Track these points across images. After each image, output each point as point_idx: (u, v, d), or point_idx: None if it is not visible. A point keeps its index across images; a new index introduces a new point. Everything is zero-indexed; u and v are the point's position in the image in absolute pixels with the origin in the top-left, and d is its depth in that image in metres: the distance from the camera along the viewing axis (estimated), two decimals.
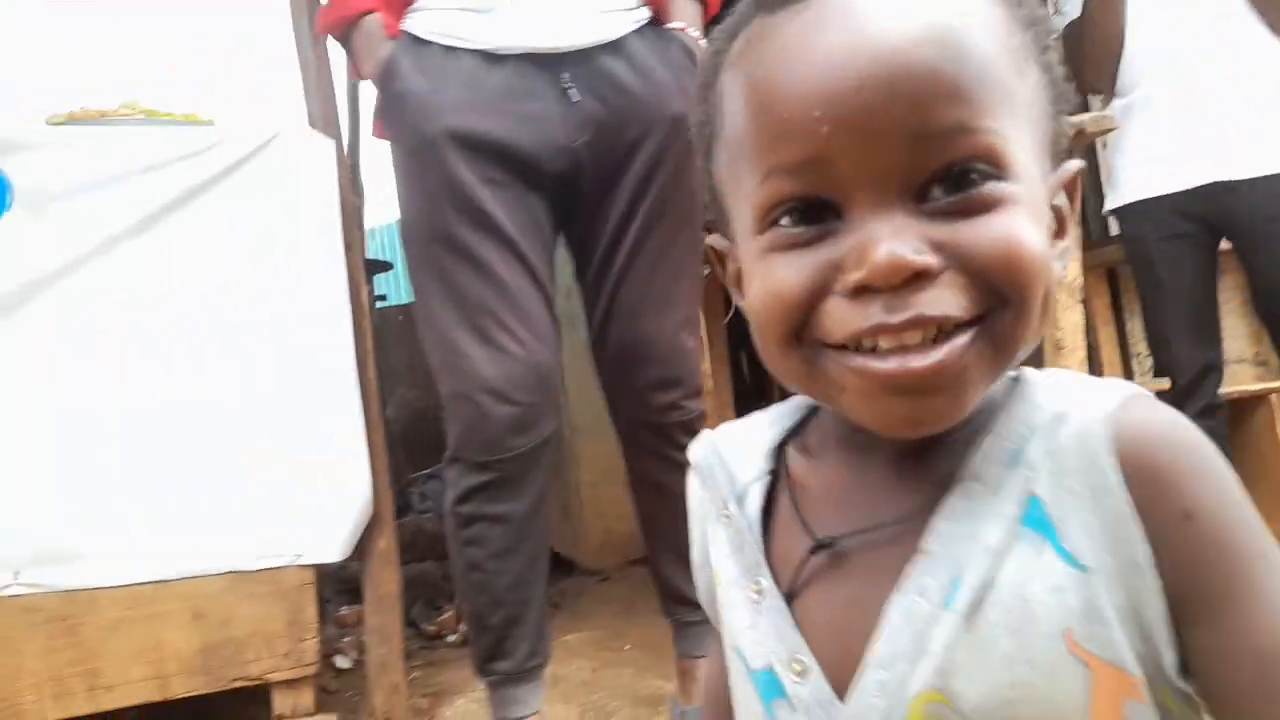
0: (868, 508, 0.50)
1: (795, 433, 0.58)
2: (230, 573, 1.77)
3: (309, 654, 1.83)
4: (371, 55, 1.54)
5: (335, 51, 2.16)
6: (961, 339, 0.44)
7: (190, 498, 1.75)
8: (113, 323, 1.73)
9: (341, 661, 2.51)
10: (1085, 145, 1.94)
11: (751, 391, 3.69)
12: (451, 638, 2.71)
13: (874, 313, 0.43)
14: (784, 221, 0.47)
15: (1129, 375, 3.41)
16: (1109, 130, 1.78)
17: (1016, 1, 0.49)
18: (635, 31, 1.57)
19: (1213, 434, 1.85)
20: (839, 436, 0.54)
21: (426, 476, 4.53)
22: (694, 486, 0.61)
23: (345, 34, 1.59)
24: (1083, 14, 2.43)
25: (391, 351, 4.79)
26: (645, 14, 1.60)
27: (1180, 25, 2.33)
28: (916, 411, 0.45)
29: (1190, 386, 2.40)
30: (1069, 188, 0.52)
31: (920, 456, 0.50)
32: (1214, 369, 2.45)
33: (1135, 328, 3.48)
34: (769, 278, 0.47)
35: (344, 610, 2.90)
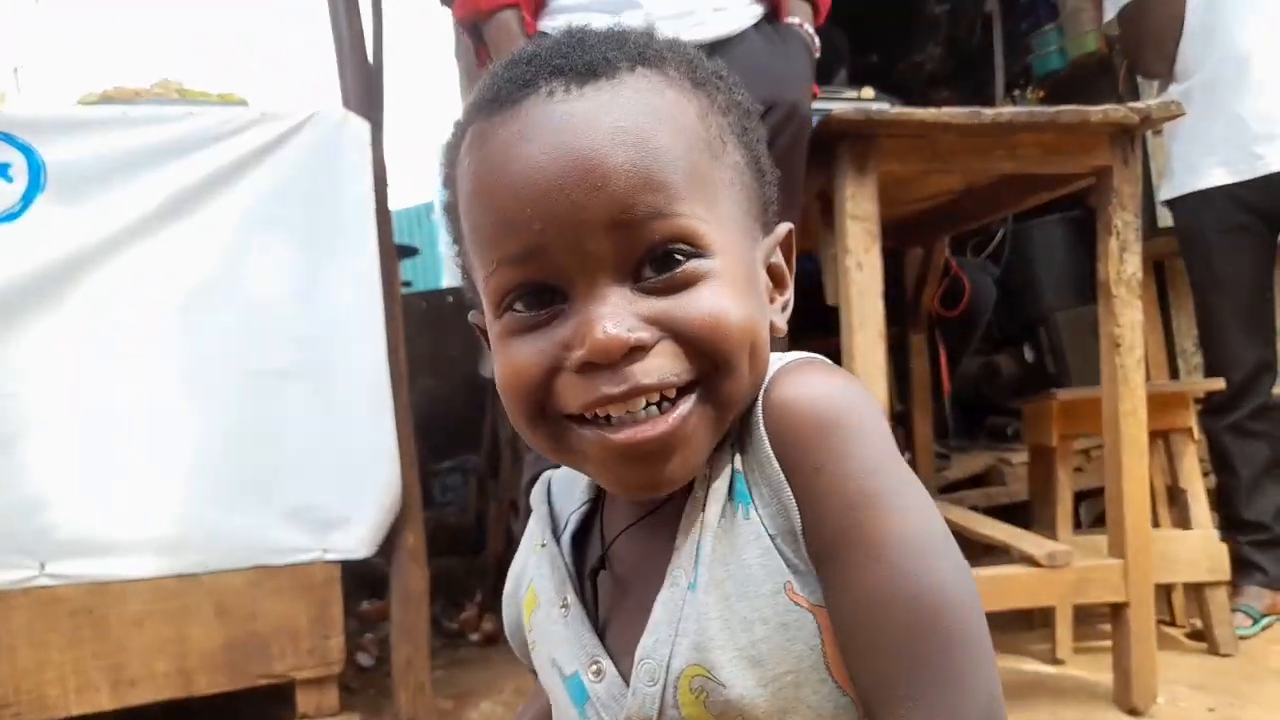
0: (645, 531, 0.57)
1: None
2: (256, 568, 1.73)
3: (334, 652, 1.79)
4: (507, 50, 1.54)
5: (368, 29, 2.11)
6: (685, 404, 0.50)
7: (216, 490, 1.71)
8: (141, 310, 1.69)
9: (363, 659, 2.45)
10: (1148, 131, 1.85)
11: None
12: (474, 636, 2.66)
13: (600, 385, 0.49)
14: (517, 306, 0.52)
15: (1174, 373, 3.30)
16: (1176, 116, 1.70)
17: (712, 91, 0.54)
18: (754, 26, 1.69)
19: (1268, 436, 1.74)
20: None
21: (449, 468, 4.48)
22: (530, 524, 0.66)
23: (481, 25, 1.66)
24: None
25: (414, 339, 4.74)
26: (760, 9, 1.71)
27: (1243, 10, 2.23)
28: (651, 476, 0.50)
29: (1244, 385, 2.31)
30: (784, 246, 0.59)
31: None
32: (1269, 368, 2.36)
33: (1182, 324, 3.37)
34: (508, 358, 0.52)
35: (365, 605, 2.85)
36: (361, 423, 1.79)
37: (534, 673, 0.66)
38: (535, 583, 0.63)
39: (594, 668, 0.55)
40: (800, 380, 0.52)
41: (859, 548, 0.48)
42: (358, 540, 1.80)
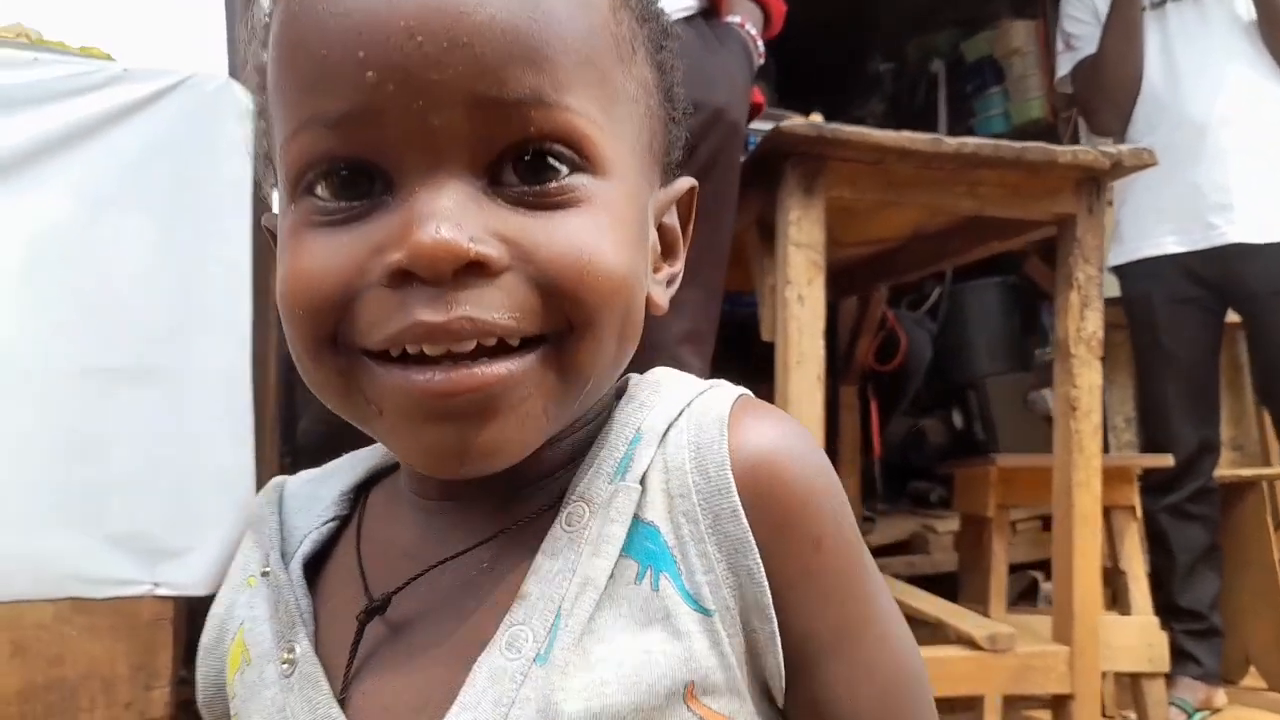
0: (442, 548, 0.42)
1: (389, 471, 0.50)
2: (66, 600, 1.45)
3: (157, 706, 1.51)
4: None
5: None
6: (523, 359, 0.38)
7: (23, 505, 1.43)
8: None
9: None
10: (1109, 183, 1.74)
11: None
12: None
13: (415, 308, 0.36)
14: (320, 191, 0.38)
15: (1105, 449, 3.23)
16: (1148, 165, 1.58)
17: None
18: (685, 20, 1.49)
19: (1207, 520, 1.56)
20: (410, 487, 0.46)
21: None
22: (244, 545, 0.49)
23: None
24: (1099, 49, 2.27)
25: None
26: (695, 4, 1.52)
27: (1201, 76, 2.18)
28: (464, 442, 0.37)
29: (1187, 466, 2.21)
30: (682, 205, 0.48)
31: (509, 489, 0.43)
32: (1211, 449, 2.28)
33: (1115, 399, 3.31)
34: (296, 262, 0.38)
35: None
36: (214, 437, 1.53)
37: None
38: (246, 629, 0.45)
39: None
40: (779, 428, 0.42)
41: (869, 629, 0.42)
42: (198, 574, 1.53)
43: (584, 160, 0.38)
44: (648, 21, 0.44)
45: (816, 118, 1.99)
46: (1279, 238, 2.12)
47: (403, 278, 0.36)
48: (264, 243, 1.50)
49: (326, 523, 0.47)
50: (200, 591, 1.54)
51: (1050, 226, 1.67)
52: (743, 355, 1.88)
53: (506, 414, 0.37)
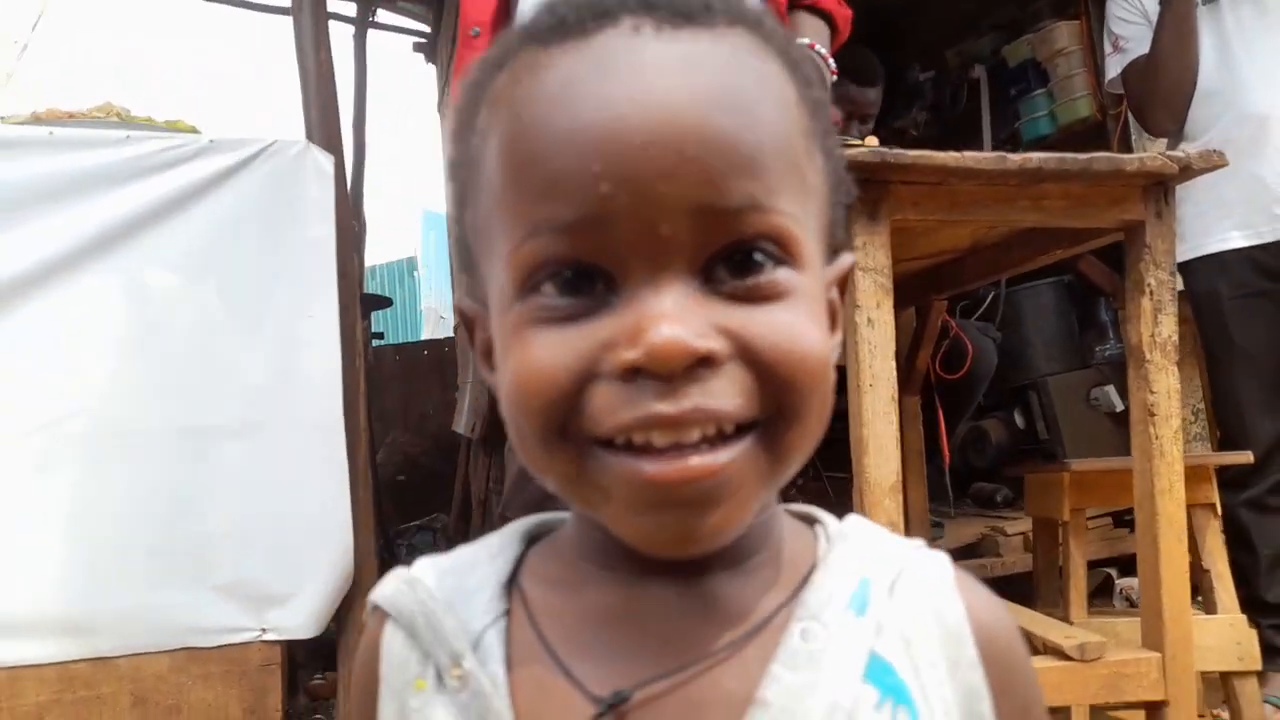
0: (651, 649, 0.42)
1: (520, 563, 0.49)
2: (181, 650, 1.52)
3: None
4: None
5: (341, 82, 1.97)
6: (742, 444, 0.39)
7: (137, 562, 1.51)
8: (58, 353, 1.50)
9: None
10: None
11: None
12: None
13: (649, 401, 0.38)
14: (547, 289, 0.40)
15: None
16: (1218, 166, 1.58)
17: (807, 82, 0.45)
18: None
19: None
20: (597, 562, 0.46)
21: (417, 528, 4.27)
22: (390, 643, 0.47)
23: None
24: (1153, 50, 2.26)
25: (386, 393, 4.56)
26: None
27: (1261, 69, 2.17)
28: (691, 527, 0.39)
29: (1265, 460, 2.19)
30: (841, 283, 0.49)
31: (706, 584, 0.44)
32: None
33: (1185, 390, 3.27)
34: (526, 356, 0.40)
35: (318, 678, 2.62)
36: (312, 486, 1.60)
37: None
38: None
39: None
40: (997, 601, 0.48)
41: None
42: (303, 618, 1.60)
43: (786, 255, 0.41)
44: (819, 114, 0.46)
45: (873, 141, 2.01)
46: None
47: (635, 373, 0.38)
48: (351, 296, 1.57)
49: (500, 617, 0.45)
50: (306, 634, 1.61)
51: (1117, 233, 1.67)
52: None
53: (728, 499, 0.39)
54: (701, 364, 0.38)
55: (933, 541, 2.93)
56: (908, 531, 2.68)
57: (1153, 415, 1.58)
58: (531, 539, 0.50)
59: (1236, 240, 2.18)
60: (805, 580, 0.44)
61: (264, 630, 1.57)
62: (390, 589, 0.49)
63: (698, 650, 0.42)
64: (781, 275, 0.40)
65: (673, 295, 0.38)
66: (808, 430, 0.41)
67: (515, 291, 0.41)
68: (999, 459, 3.68)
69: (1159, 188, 1.58)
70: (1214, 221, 2.22)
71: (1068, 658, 1.57)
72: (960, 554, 3.11)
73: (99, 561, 1.49)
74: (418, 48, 4.60)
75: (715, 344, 0.38)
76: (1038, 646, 1.67)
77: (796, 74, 0.44)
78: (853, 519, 0.49)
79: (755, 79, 0.41)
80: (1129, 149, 3.38)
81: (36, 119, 1.62)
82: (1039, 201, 1.57)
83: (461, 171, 0.46)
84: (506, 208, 0.41)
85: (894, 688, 0.42)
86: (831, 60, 1.59)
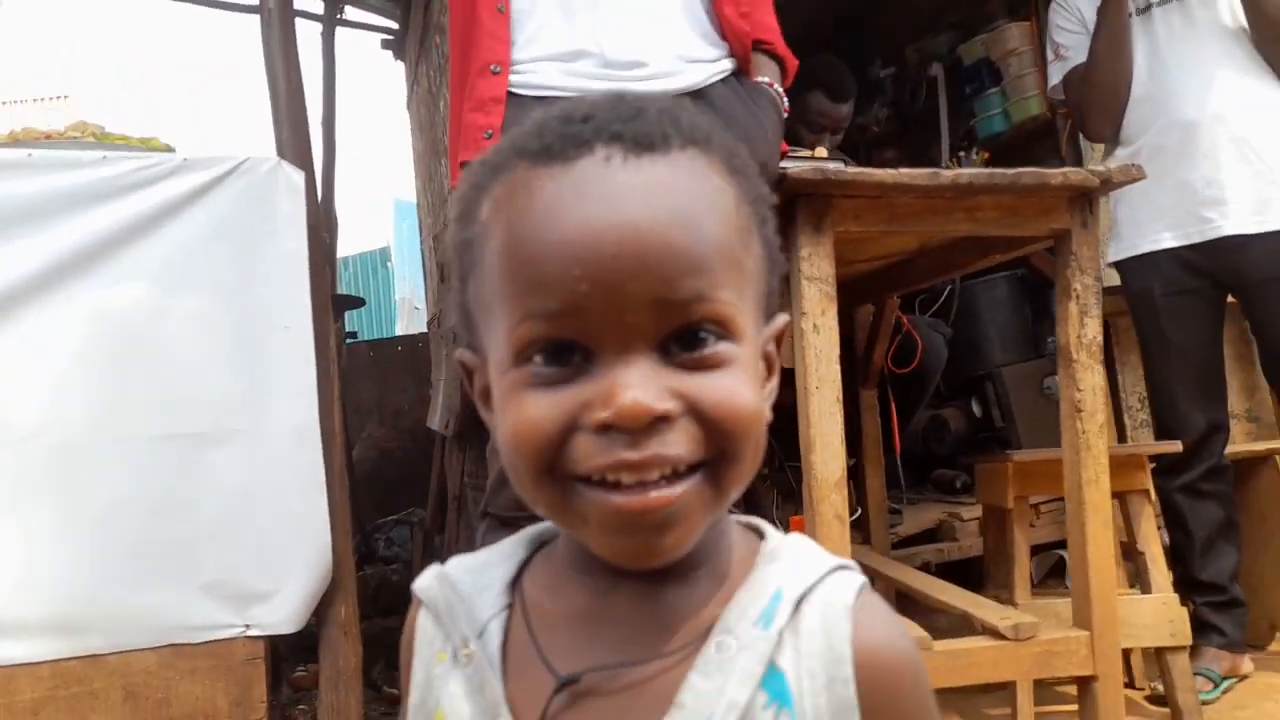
0: (612, 644, 0.54)
1: (525, 566, 0.61)
2: (169, 646, 1.60)
3: None
4: None
5: (309, 79, 2.03)
6: (691, 481, 0.50)
7: (125, 563, 1.58)
8: (43, 366, 1.56)
9: None
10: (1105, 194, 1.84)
11: None
12: None
13: (618, 450, 0.48)
14: (537, 359, 0.50)
15: (1121, 430, 3.32)
16: (1136, 179, 1.69)
17: (743, 179, 0.55)
18: (721, 81, 1.64)
19: (1221, 497, 1.71)
20: (578, 570, 0.57)
21: (395, 522, 4.33)
22: (423, 623, 0.61)
23: None
24: (1089, 59, 2.36)
25: (361, 389, 4.61)
26: (728, 65, 1.66)
27: (1190, 77, 2.27)
28: (647, 545, 0.50)
29: (1197, 448, 2.31)
30: (778, 338, 0.59)
31: (659, 593, 0.54)
32: (1221, 429, 2.37)
33: (1128, 380, 3.40)
34: (522, 412, 0.50)
35: (300, 671, 2.69)
36: (290, 489, 1.68)
37: None
38: (445, 703, 0.56)
39: None
40: (891, 623, 0.55)
41: None
42: (285, 614, 1.68)
43: (726, 332, 0.51)
44: (757, 203, 0.56)
45: (822, 151, 2.11)
46: (1270, 228, 2.22)
47: (608, 428, 0.48)
48: (322, 305, 1.64)
49: (502, 609, 0.57)
50: (287, 629, 1.69)
51: (1047, 240, 1.78)
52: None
53: (680, 523, 0.50)
54: (659, 421, 0.48)
55: (891, 527, 3.04)
56: (866, 516, 2.78)
57: (1079, 411, 1.70)
58: (540, 544, 0.62)
59: (1167, 241, 2.29)
60: (733, 597, 0.54)
61: (248, 626, 1.65)
62: (426, 581, 0.61)
63: (645, 651, 0.53)
64: (722, 348, 0.51)
65: (637, 367, 0.49)
66: (744, 468, 0.52)
67: (512, 360, 0.51)
68: (958, 447, 3.79)
69: (1084, 199, 1.69)
70: (1147, 223, 2.33)
71: (1003, 637, 1.69)
72: (919, 539, 3.23)
73: (89, 564, 1.56)
74: (385, 44, 4.64)
75: (670, 405, 0.49)
76: (977, 627, 1.78)
77: (739, 180, 0.55)
78: (794, 537, 0.59)
79: (703, 198, 0.52)
80: (1077, 147, 3.50)
81: (14, 139, 1.68)
82: (973, 213, 1.68)
83: (465, 251, 0.57)
84: (505, 296, 0.51)
85: (781, 694, 0.52)
86: (785, 99, 1.72)
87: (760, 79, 1.69)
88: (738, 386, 0.51)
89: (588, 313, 0.49)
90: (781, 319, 0.59)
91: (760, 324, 0.56)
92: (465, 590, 0.59)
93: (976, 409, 3.92)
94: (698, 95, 1.60)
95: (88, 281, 1.60)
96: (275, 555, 1.68)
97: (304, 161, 1.82)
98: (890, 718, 0.53)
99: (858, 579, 0.56)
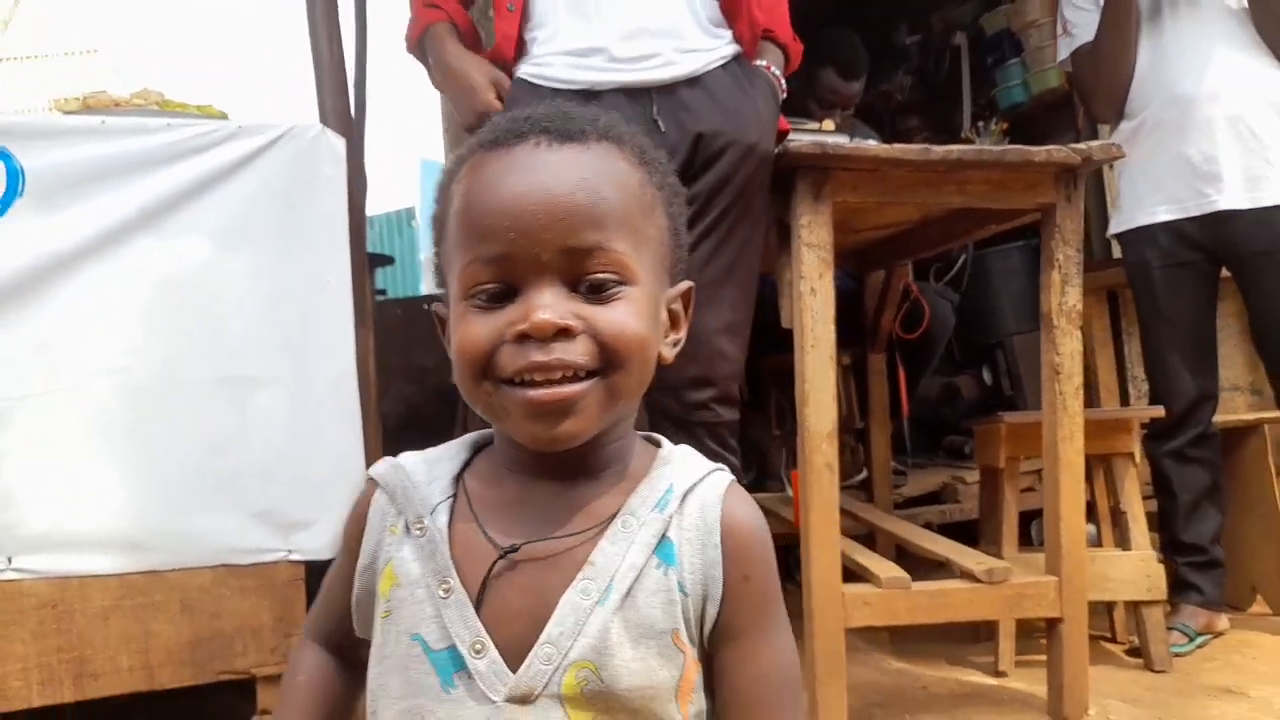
0: (538, 525, 0.68)
1: (467, 465, 0.75)
2: (221, 566, 1.77)
3: None
4: (443, 58, 1.79)
5: (348, 46, 2.17)
6: (587, 383, 0.64)
7: (184, 490, 1.75)
8: (114, 313, 1.72)
9: None
10: (1092, 171, 1.94)
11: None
12: None
13: (531, 354, 0.63)
14: (479, 295, 0.65)
15: (1125, 398, 3.41)
16: (1116, 158, 1.79)
17: (652, 169, 0.71)
18: (720, 67, 1.74)
19: (1207, 463, 1.88)
20: (511, 469, 0.71)
21: None
22: (379, 501, 0.73)
23: (425, 47, 1.84)
24: (1095, 44, 2.43)
25: (389, 347, 4.78)
26: (729, 51, 1.76)
27: (1189, 56, 2.34)
28: (553, 430, 0.64)
29: (1185, 415, 2.41)
30: (684, 299, 0.75)
31: (575, 487, 0.69)
32: (1209, 398, 2.46)
33: (1133, 350, 3.48)
34: (465, 331, 0.65)
35: None
36: (329, 429, 1.84)
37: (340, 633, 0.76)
38: (395, 564, 0.69)
39: (476, 645, 0.65)
40: (749, 506, 0.71)
41: (760, 636, 0.69)
42: (323, 542, 1.84)
43: (622, 277, 0.66)
44: (663, 189, 0.72)
45: (829, 125, 2.22)
46: (1265, 203, 2.29)
47: (524, 339, 0.63)
48: (360, 263, 1.79)
49: (449, 497, 0.71)
50: (325, 555, 1.85)
51: (1035, 212, 1.89)
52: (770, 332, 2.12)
53: (578, 414, 0.64)
54: (562, 334, 0.63)
55: (895, 488, 3.17)
56: (871, 476, 2.92)
57: (1058, 374, 1.82)
58: (478, 447, 0.76)
59: (1164, 214, 2.37)
60: (634, 490, 0.70)
61: (290, 551, 1.81)
62: (384, 469, 0.75)
63: (564, 529, 0.68)
64: (616, 288, 0.66)
65: (549, 294, 0.64)
66: (631, 380, 0.66)
67: (461, 294, 0.67)
68: (969, 414, 3.88)
69: (1069, 174, 1.80)
70: (1145, 196, 2.41)
71: (978, 580, 1.83)
72: (923, 500, 3.35)
73: (154, 491, 1.72)
74: None
75: (572, 322, 0.63)
76: (956, 572, 1.93)
77: (647, 168, 0.71)
78: (682, 447, 0.75)
79: (606, 174, 0.67)
80: (1093, 120, 3.56)
81: (86, 106, 1.83)
82: (963, 186, 1.79)
83: (438, 221, 0.73)
84: (459, 247, 0.67)
85: (669, 556, 0.67)
86: (783, 81, 1.83)
87: (759, 62, 1.79)
88: (627, 316, 0.65)
89: (515, 257, 0.64)
90: (684, 284, 0.75)
91: (663, 281, 0.71)
92: (419, 479, 0.73)
93: (988, 377, 4.02)
94: (695, 82, 1.71)
95: (153, 238, 1.75)
96: (315, 489, 1.83)
97: (344, 129, 1.96)
98: (743, 569, 0.69)
99: (728, 477, 0.72)
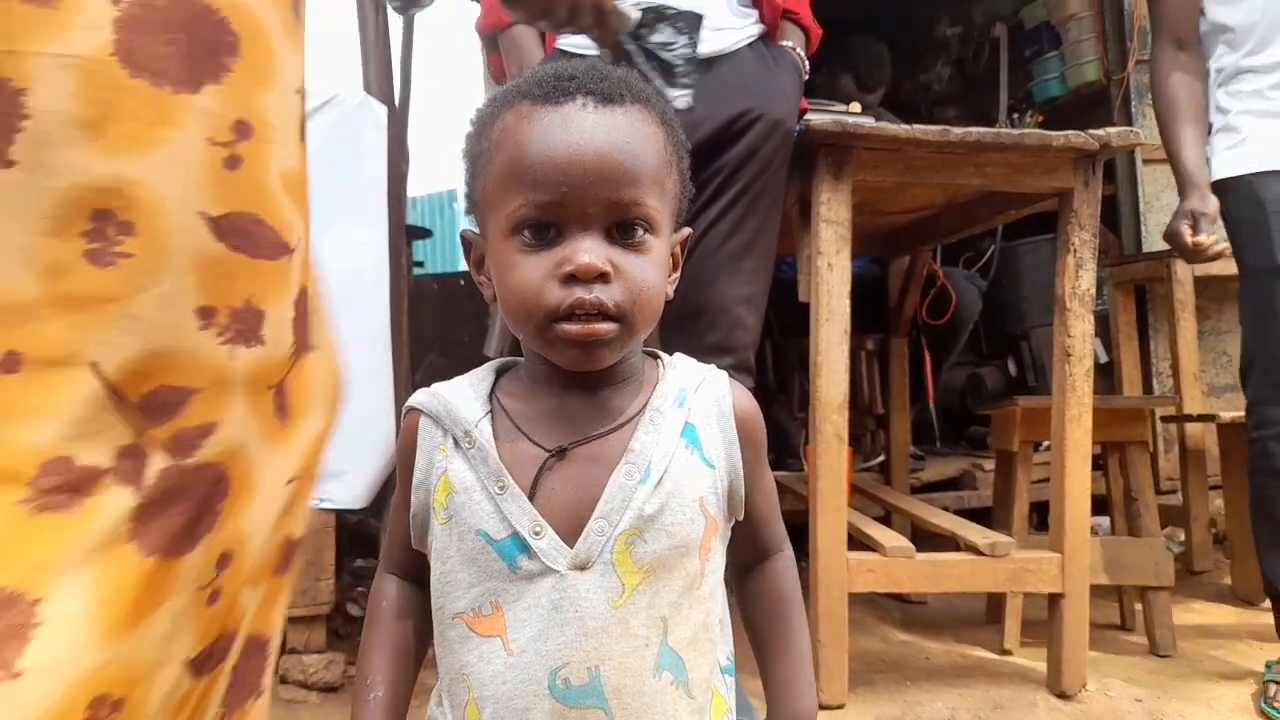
0: (574, 427, 0.78)
1: (495, 386, 0.84)
2: None
3: (324, 594, 1.93)
4: (520, 60, 1.83)
5: (394, 21, 2.25)
6: (615, 323, 0.73)
7: None
8: None
9: (353, 609, 2.60)
10: (1108, 159, 1.96)
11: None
12: None
13: (576, 292, 0.72)
14: (526, 234, 0.74)
15: (1149, 393, 3.42)
16: (1134, 145, 1.82)
17: (670, 127, 0.80)
18: (748, 46, 1.80)
19: None
20: (541, 383, 0.81)
21: None
22: (425, 426, 0.82)
23: (498, 37, 1.87)
24: None
25: (425, 319, 4.88)
26: (755, 31, 1.82)
27: None
28: (587, 357, 0.74)
29: None
30: (683, 244, 0.85)
31: (603, 396, 0.80)
32: None
33: (1159, 348, 3.49)
34: (519, 270, 0.74)
35: (360, 563, 3.00)
36: (362, 383, 1.90)
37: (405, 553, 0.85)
38: (450, 474, 0.78)
39: (536, 529, 0.75)
40: (748, 395, 0.85)
41: (764, 481, 0.87)
42: (353, 493, 1.93)
43: (650, 228, 0.76)
44: (677, 147, 0.82)
45: (856, 107, 2.26)
46: None
47: (570, 279, 0.72)
48: (398, 225, 1.87)
49: (487, 413, 0.80)
50: (355, 505, 1.95)
51: (1053, 197, 1.93)
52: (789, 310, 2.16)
53: (607, 347, 0.74)
54: (603, 277, 0.72)
55: (912, 472, 3.20)
56: (889, 461, 2.96)
57: (1069, 355, 1.86)
58: (499, 372, 0.85)
59: None
60: (654, 392, 0.81)
61: (322, 500, 1.91)
62: (422, 397, 0.83)
63: (598, 429, 0.78)
64: (646, 238, 0.76)
65: (592, 240, 0.73)
66: (646, 320, 0.76)
67: (507, 230, 0.75)
68: (993, 404, 3.92)
69: (1087, 160, 1.83)
70: (1273, 136, 1.98)
71: (981, 554, 1.88)
72: (942, 486, 3.39)
73: None
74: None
75: (609, 267, 0.73)
76: (962, 546, 1.98)
77: (668, 128, 0.80)
78: (679, 356, 0.87)
79: (642, 136, 0.76)
80: (1129, 115, 3.56)
81: None
82: (982, 168, 1.83)
83: (476, 158, 0.81)
84: (508, 189, 0.75)
85: (694, 440, 0.80)
86: (806, 63, 1.88)
87: (784, 43, 1.85)
88: (650, 267, 0.76)
89: (563, 204, 0.73)
90: (685, 230, 0.85)
91: (673, 228, 0.82)
92: (455, 400, 0.81)
93: (1013, 368, 4.04)
94: (724, 58, 1.76)
95: None
96: (347, 441, 1.89)
97: (386, 97, 2.04)
98: (752, 446, 0.84)
99: (723, 373, 0.86)
